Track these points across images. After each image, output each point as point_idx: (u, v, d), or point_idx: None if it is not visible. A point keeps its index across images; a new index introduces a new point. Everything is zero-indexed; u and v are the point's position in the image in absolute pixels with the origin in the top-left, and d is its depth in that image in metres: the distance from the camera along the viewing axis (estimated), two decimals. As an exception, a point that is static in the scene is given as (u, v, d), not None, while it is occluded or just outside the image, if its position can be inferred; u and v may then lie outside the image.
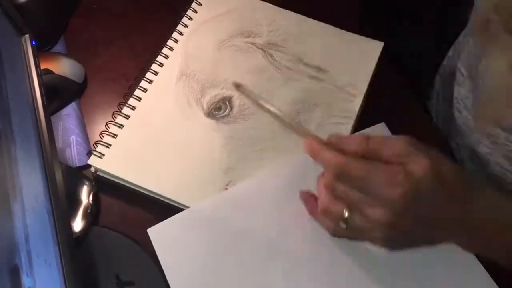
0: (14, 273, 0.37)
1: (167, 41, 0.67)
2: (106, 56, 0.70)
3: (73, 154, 0.62)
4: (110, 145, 0.60)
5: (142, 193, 0.59)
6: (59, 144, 0.62)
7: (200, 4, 0.71)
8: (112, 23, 0.72)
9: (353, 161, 0.47)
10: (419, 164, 0.45)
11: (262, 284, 0.54)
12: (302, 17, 0.71)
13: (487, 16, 0.52)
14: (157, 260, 0.56)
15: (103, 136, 0.61)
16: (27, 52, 0.55)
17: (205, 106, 0.64)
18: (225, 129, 0.62)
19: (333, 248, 0.55)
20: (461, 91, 0.65)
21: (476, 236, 0.49)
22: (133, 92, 0.63)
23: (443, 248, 0.50)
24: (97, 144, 0.60)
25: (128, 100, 0.63)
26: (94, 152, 0.59)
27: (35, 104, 0.52)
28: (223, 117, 0.63)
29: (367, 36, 0.69)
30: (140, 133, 0.61)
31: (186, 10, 0.70)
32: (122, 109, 0.62)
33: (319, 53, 0.68)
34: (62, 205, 0.48)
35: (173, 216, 0.57)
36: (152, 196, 0.59)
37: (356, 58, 0.68)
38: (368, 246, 0.52)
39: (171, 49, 0.67)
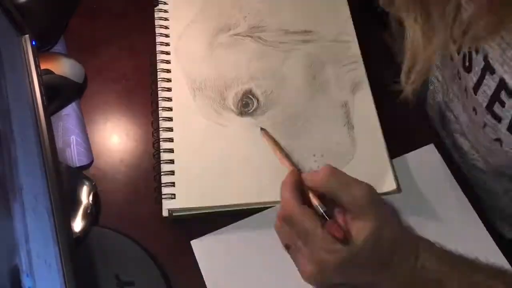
0: (14, 273, 0.37)
1: (157, 66, 0.66)
2: (106, 56, 0.70)
3: (73, 154, 0.62)
4: (174, 183, 0.59)
5: (222, 211, 0.58)
6: (59, 144, 0.62)
7: (166, 19, 0.69)
8: (112, 23, 0.72)
9: (302, 214, 0.49)
10: (364, 228, 0.47)
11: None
12: None
13: None
14: (157, 260, 0.56)
15: (158, 178, 0.59)
16: (27, 52, 0.55)
17: (233, 108, 0.64)
18: (265, 119, 0.63)
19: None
20: None
21: None
22: (160, 127, 0.62)
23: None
24: (161, 188, 0.59)
25: (160, 135, 0.61)
26: (164, 196, 0.58)
27: (35, 104, 0.52)
28: (255, 109, 0.64)
29: None
30: (191, 159, 0.60)
31: (155, 32, 0.68)
32: (161, 146, 0.61)
33: (297, 18, 0.70)
34: (62, 205, 0.48)
35: (217, 230, 0.57)
36: (234, 210, 0.58)
37: (330, 9, 0.71)
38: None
39: (168, 71, 0.66)
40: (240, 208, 0.58)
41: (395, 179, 0.59)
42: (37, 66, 0.55)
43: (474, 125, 0.58)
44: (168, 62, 0.66)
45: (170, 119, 0.63)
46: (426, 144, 0.63)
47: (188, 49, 0.68)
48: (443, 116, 0.67)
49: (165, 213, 0.57)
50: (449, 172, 0.61)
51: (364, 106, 0.64)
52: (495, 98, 0.51)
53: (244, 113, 0.63)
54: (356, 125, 0.63)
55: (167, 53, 0.67)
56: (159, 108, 0.63)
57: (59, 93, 0.65)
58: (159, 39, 0.68)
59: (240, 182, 0.59)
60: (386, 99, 0.64)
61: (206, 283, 0.55)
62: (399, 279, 0.49)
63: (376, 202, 0.50)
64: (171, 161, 0.60)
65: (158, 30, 0.68)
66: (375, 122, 0.63)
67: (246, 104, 0.64)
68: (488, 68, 0.50)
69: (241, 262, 0.56)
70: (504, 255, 0.56)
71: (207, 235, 0.57)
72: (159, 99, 0.64)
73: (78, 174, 0.60)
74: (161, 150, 0.61)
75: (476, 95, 0.54)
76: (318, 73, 0.66)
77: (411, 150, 0.62)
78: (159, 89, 0.64)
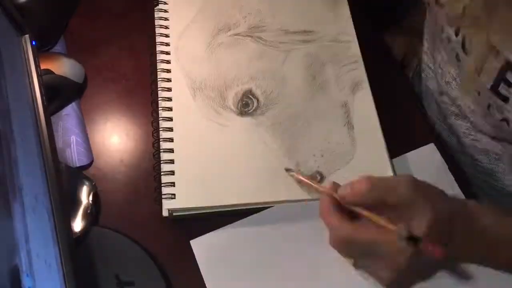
0: (14, 273, 0.37)
1: (157, 66, 0.66)
2: (106, 56, 0.70)
3: (73, 154, 0.62)
4: (174, 183, 0.59)
5: (221, 211, 0.58)
6: (59, 144, 0.62)
7: (167, 19, 0.70)
8: (112, 23, 0.72)
9: (357, 232, 0.49)
10: (420, 223, 0.47)
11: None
12: None
13: None
14: (157, 260, 0.56)
15: (158, 178, 0.59)
16: (27, 52, 0.55)
17: (233, 108, 0.64)
18: (265, 120, 0.63)
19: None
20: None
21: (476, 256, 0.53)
22: (161, 127, 0.62)
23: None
24: (161, 188, 0.59)
25: (160, 135, 0.61)
26: (164, 196, 0.58)
27: (35, 104, 0.52)
28: (255, 110, 0.64)
29: None
30: (192, 159, 0.60)
31: (155, 32, 0.68)
32: (161, 146, 0.61)
33: (297, 18, 0.71)
34: (62, 205, 0.48)
35: (217, 230, 0.58)
36: (233, 210, 0.58)
37: (330, 9, 0.71)
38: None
39: (168, 71, 0.66)
40: (240, 208, 0.58)
41: None
42: (37, 66, 0.55)
43: (478, 106, 0.58)
44: (168, 62, 0.66)
45: (170, 119, 0.63)
46: (426, 144, 0.63)
47: (188, 49, 0.68)
48: (437, 102, 0.67)
49: (165, 213, 0.57)
50: (449, 172, 0.61)
51: (364, 106, 0.64)
52: (500, 79, 0.51)
53: (244, 113, 0.63)
54: (356, 125, 0.63)
55: (167, 53, 0.67)
56: (159, 108, 0.63)
57: (59, 93, 0.65)
58: (159, 39, 0.68)
59: (240, 182, 0.59)
60: (386, 99, 0.65)
61: (205, 282, 0.55)
62: (468, 248, 0.51)
63: (422, 190, 0.49)
64: (171, 161, 0.60)
65: (158, 30, 0.68)
66: (375, 122, 0.63)
67: (246, 104, 0.64)
68: (491, 50, 0.50)
69: (241, 261, 0.57)
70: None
71: (206, 234, 0.57)
72: (159, 99, 0.64)
73: (78, 174, 0.60)
74: (161, 150, 0.61)
75: (479, 76, 0.54)
76: (318, 73, 0.66)
77: (411, 150, 0.62)
78: (159, 89, 0.64)
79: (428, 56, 0.68)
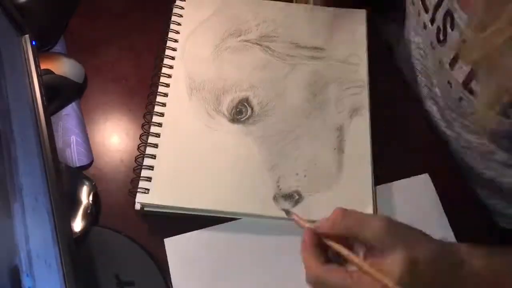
0: (14, 273, 0.37)
1: (162, 60, 0.66)
2: (106, 56, 0.70)
3: (73, 154, 0.62)
4: (151, 178, 0.58)
5: (196, 215, 0.58)
6: (59, 144, 0.62)
7: (181, 16, 0.70)
8: (112, 23, 0.72)
9: (328, 274, 0.46)
10: (394, 263, 0.44)
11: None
12: (282, 3, 0.72)
13: None
14: (157, 260, 0.56)
15: (139, 171, 0.59)
16: (27, 52, 0.55)
17: (226, 113, 0.63)
18: (255, 130, 0.63)
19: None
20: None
21: None
22: (151, 121, 0.62)
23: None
24: (137, 181, 0.58)
25: (149, 129, 0.62)
26: (139, 190, 0.58)
27: (35, 104, 0.52)
28: (248, 118, 0.63)
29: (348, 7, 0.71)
30: (174, 158, 0.60)
31: (169, 25, 0.69)
32: (147, 139, 0.61)
33: (311, 33, 0.70)
34: (62, 205, 0.48)
35: (192, 232, 0.58)
36: (206, 216, 0.58)
37: (346, 29, 0.70)
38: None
39: (171, 67, 0.66)
40: (212, 214, 0.58)
41: (375, 210, 0.58)
42: (37, 66, 0.55)
43: (450, 96, 0.59)
44: (172, 58, 0.66)
45: (161, 114, 0.63)
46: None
47: (195, 48, 0.68)
48: (416, 79, 0.68)
49: (137, 207, 0.58)
50: (440, 204, 0.60)
51: (359, 132, 0.62)
52: (472, 75, 0.52)
53: (236, 120, 0.63)
54: (347, 151, 0.61)
55: (174, 49, 0.67)
56: (154, 103, 0.63)
57: (59, 93, 0.65)
58: (169, 35, 0.68)
59: (217, 188, 0.58)
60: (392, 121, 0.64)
61: (172, 281, 0.55)
62: None
63: (399, 228, 0.46)
64: (153, 156, 0.60)
65: (170, 26, 0.68)
66: (367, 151, 0.61)
67: (240, 112, 0.63)
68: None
69: (211, 266, 0.56)
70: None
71: (181, 235, 0.57)
72: (157, 93, 0.64)
73: (78, 174, 0.60)
74: (148, 144, 0.61)
75: (452, 70, 0.54)
76: (320, 92, 0.65)
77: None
78: (158, 83, 0.64)
79: (416, 35, 0.68)
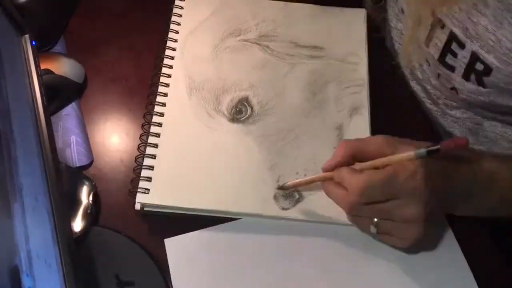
0: (14, 273, 0.37)
1: (162, 60, 0.66)
2: (106, 56, 0.70)
3: (73, 154, 0.62)
4: (151, 178, 0.58)
5: (196, 215, 0.58)
6: (59, 144, 0.62)
7: (180, 16, 0.70)
8: (112, 23, 0.72)
9: (372, 175, 0.50)
10: (412, 147, 0.50)
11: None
12: (282, 3, 0.72)
13: None
14: (157, 260, 0.56)
15: (139, 171, 0.59)
16: (27, 52, 0.55)
17: (226, 113, 0.63)
18: (254, 129, 0.62)
19: (342, 270, 0.56)
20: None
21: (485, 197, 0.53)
22: (151, 121, 0.62)
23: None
24: (137, 181, 0.58)
25: (149, 129, 0.61)
26: (139, 190, 0.57)
27: (35, 104, 0.52)
28: (247, 118, 0.63)
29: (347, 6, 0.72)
30: (174, 157, 0.60)
31: (169, 25, 0.69)
32: (147, 139, 0.61)
33: (310, 33, 0.70)
34: (62, 205, 0.48)
35: (192, 232, 0.57)
36: (206, 216, 0.58)
37: (345, 28, 0.70)
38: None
39: (170, 67, 0.66)
40: (213, 214, 0.58)
41: None
42: (37, 66, 0.55)
43: (430, 74, 0.61)
44: (172, 58, 0.66)
45: (161, 114, 0.63)
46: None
47: (194, 48, 0.68)
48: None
49: (137, 207, 0.57)
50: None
51: (359, 131, 0.62)
52: (446, 50, 0.55)
53: (236, 120, 0.63)
54: None
55: (174, 49, 0.67)
56: (154, 103, 0.63)
57: (59, 93, 0.65)
58: (169, 35, 0.68)
59: (217, 188, 0.58)
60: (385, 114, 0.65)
61: (172, 282, 0.55)
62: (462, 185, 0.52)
63: (396, 139, 0.52)
64: (153, 156, 0.60)
65: (170, 26, 0.69)
66: None
67: (240, 111, 0.63)
68: (438, 23, 0.54)
69: (211, 267, 0.56)
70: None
71: (182, 235, 0.57)
72: (157, 93, 0.64)
73: (78, 174, 0.60)
74: (148, 144, 0.61)
75: (428, 48, 0.57)
76: (319, 91, 0.65)
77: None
78: (158, 83, 0.64)
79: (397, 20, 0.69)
